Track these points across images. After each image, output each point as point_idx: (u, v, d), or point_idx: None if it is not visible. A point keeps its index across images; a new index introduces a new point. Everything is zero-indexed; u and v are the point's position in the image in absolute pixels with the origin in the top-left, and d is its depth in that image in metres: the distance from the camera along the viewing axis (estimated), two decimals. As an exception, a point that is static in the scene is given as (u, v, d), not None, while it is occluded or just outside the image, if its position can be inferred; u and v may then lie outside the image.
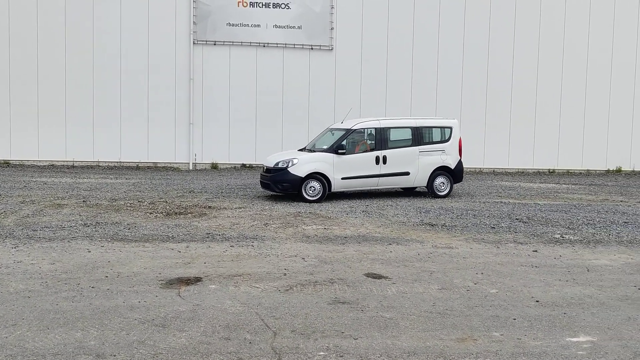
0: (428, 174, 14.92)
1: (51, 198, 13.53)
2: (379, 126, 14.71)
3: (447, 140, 15.28)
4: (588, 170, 23.90)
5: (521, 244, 9.65)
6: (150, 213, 11.83)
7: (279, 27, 22.62)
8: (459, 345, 5.21)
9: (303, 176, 13.68)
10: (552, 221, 11.72)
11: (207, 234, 9.87)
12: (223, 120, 22.51)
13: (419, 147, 14.94)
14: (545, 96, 23.57)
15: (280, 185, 13.79)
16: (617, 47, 23.75)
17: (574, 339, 5.41)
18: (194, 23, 22.19)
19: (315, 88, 22.86)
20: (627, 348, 5.21)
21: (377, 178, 14.50)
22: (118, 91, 21.96)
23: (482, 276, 7.55)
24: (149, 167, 22.03)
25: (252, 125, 22.67)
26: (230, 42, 22.44)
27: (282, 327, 5.55)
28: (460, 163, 15.42)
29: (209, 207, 12.78)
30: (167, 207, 12.64)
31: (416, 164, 14.79)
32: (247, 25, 22.47)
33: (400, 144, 14.96)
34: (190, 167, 22.32)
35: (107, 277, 7.14)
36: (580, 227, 11.15)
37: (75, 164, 21.83)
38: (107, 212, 11.84)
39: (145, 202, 13.21)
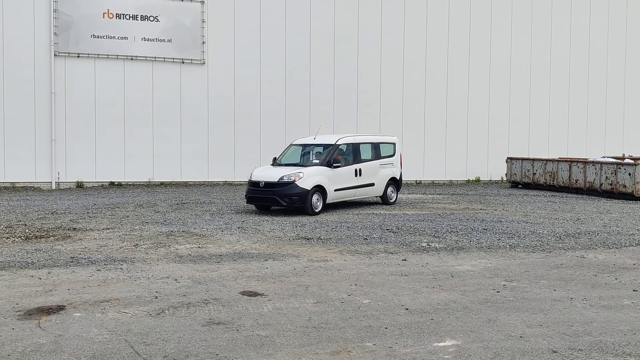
0: (384, 185, 16.71)
1: None
2: (353, 142, 16.11)
3: (394, 155, 17.23)
4: (451, 180, 25.47)
5: (392, 253, 10.02)
6: (7, 237, 10.91)
7: (148, 40, 21.98)
8: (333, 358, 5.28)
9: (309, 188, 14.39)
10: (420, 230, 12.31)
11: (71, 258, 9.27)
12: (89, 136, 21.40)
13: (379, 160, 16.69)
14: (411, 113, 24.83)
15: (288, 198, 14.29)
16: (473, 72, 25.63)
17: (441, 344, 5.68)
18: (55, 34, 20.95)
19: (188, 102, 22.43)
20: (489, 349, 5.55)
21: (355, 189, 15.82)
22: (-32, 105, 20.17)
23: (355, 287, 7.73)
24: (5, 188, 20.38)
25: (121, 141, 21.75)
26: (95, 54, 21.44)
27: (153, 354, 5.32)
28: (401, 174, 17.52)
29: (74, 228, 12.04)
30: (27, 230, 11.74)
31: (378, 176, 16.49)
32: (114, 37, 21.60)
33: (367, 158, 16.41)
34: (53, 187, 20.94)
35: (-47, 311, 6.46)
36: (445, 235, 11.81)
37: None
38: (-45, 238, 10.77)
39: (2, 226, 12.18)
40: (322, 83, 23.72)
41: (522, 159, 23.46)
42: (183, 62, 22.37)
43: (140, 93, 21.91)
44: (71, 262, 9.01)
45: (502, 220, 13.97)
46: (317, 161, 15.20)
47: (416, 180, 24.94)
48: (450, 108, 25.37)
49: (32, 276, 8.12)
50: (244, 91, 22.93)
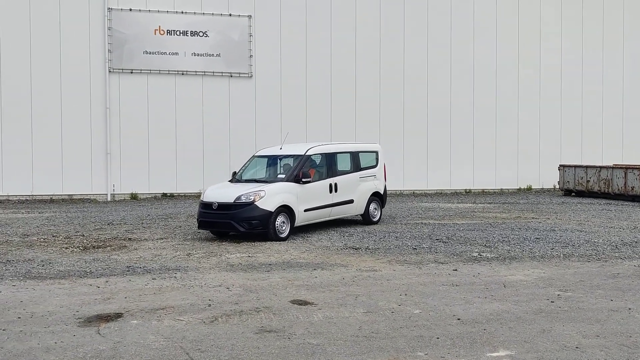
0: (366, 201, 14.39)
1: (-45, 236, 12.72)
2: (328, 151, 13.81)
3: (376, 165, 14.99)
4: (501, 189, 25.03)
5: (442, 263, 9.94)
6: (66, 248, 11.33)
7: (198, 55, 22.50)
8: (385, 367, 5.29)
9: (273, 210, 11.98)
10: (470, 240, 12.15)
11: (127, 267, 9.56)
12: (142, 149, 22.01)
13: (358, 172, 14.38)
14: (460, 121, 24.58)
15: (247, 222, 11.81)
16: (523, 77, 25.22)
17: (494, 354, 5.61)
18: (110, 51, 21.69)
19: (236, 115, 22.81)
20: None
21: (330, 208, 13.50)
22: (29, 121, 21.05)
23: (405, 297, 7.70)
24: (63, 200, 21.15)
25: (173, 153, 22.29)
26: (147, 70, 22.08)
27: (208, 360, 5.44)
28: (385, 188, 15.26)
29: (129, 239, 12.39)
30: (85, 241, 12.16)
31: (357, 191, 14.17)
32: (165, 53, 22.21)
33: (344, 169, 14.18)
34: (109, 199, 21.60)
35: (19, 318, 6.75)
36: (496, 244, 11.62)
37: (-17, 199, 20.64)
38: (18, 248, 11.24)
39: (61, 237, 12.65)
40: (368, 93, 23.76)
41: (575, 166, 22.89)
42: (231, 76, 22.79)
43: (191, 107, 22.42)
44: (127, 271, 9.29)
45: (556, 229, 13.65)
46: (283, 176, 12.87)
47: (465, 189, 24.63)
48: (500, 115, 25.00)
49: (90, 285, 8.41)
50: (290, 102, 23.17)
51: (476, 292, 7.99)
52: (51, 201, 20.85)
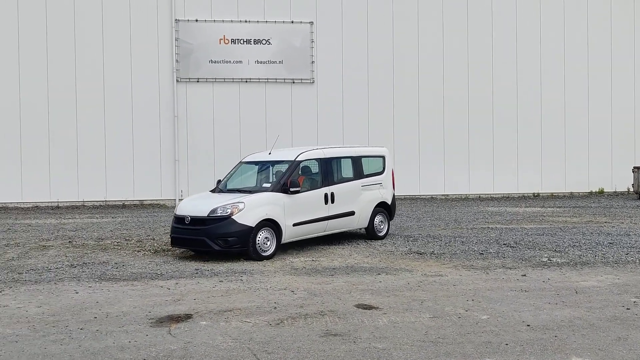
0: (370, 212, 12.67)
1: (36, 240, 13.40)
2: (323, 156, 12.11)
3: (382, 172, 13.23)
4: (571, 192, 24.19)
5: (510, 268, 9.70)
6: (138, 251, 11.75)
7: (261, 62, 22.89)
8: (452, 373, 5.21)
9: (253, 225, 10.49)
10: (539, 245, 11.81)
11: (195, 269, 9.82)
12: (208, 156, 22.56)
13: (361, 180, 12.67)
14: (527, 121, 23.95)
15: (223, 240, 10.35)
16: (593, 74, 24.31)
17: (567, 362, 5.43)
18: (177, 61, 22.38)
19: (298, 120, 23.04)
20: (619, 368, 5.24)
21: (326, 221, 11.80)
22: (102, 130, 21.98)
23: (472, 303, 7.57)
24: (135, 205, 21.93)
25: (237, 158, 22.66)
26: (213, 79, 22.64)
27: (275, 362, 5.52)
28: (394, 197, 13.54)
29: (197, 243, 12.70)
30: (155, 244, 12.57)
31: (360, 201, 12.49)
32: (230, 61, 22.72)
33: (344, 177, 12.53)
34: (177, 204, 22.22)
35: (96, 317, 7.06)
36: (567, 249, 11.25)
37: (60, 205, 21.67)
38: (94, 252, 11.74)
39: (133, 241, 13.12)
40: (429, 96, 23.51)
41: (651, 169, 21.87)
42: (294, 82, 23.06)
43: (254, 113, 22.82)
44: (196, 273, 9.54)
45: (630, 233, 13.08)
46: (268, 185, 11.44)
47: (533, 193, 23.94)
48: (569, 115, 24.18)
49: (161, 286, 8.69)
50: (351, 107, 23.21)
51: (546, 298, 7.76)
52: (123, 206, 21.67)
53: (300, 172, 11.67)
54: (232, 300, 7.83)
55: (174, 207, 21.42)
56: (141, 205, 21.96)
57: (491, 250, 11.27)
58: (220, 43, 22.65)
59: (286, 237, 11.10)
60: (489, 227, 14.62)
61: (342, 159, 12.65)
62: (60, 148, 21.81)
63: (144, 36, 22.23)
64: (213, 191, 11.93)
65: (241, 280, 9.05)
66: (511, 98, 23.88)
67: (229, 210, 10.49)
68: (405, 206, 20.21)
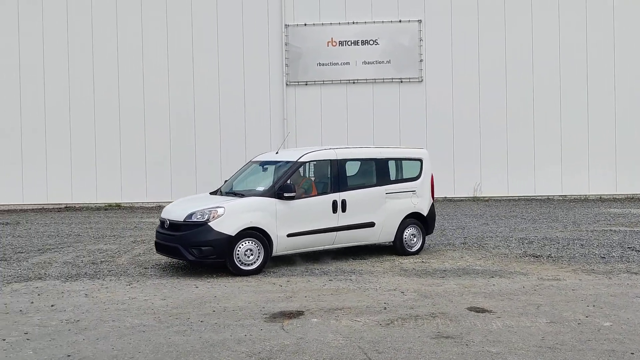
0: (397, 224, 11.00)
1: (159, 237, 14.26)
2: (334, 157, 10.60)
3: (418, 177, 11.48)
4: None
5: (635, 273, 9.09)
6: (251, 250, 12.17)
7: (368, 63, 22.97)
8: (572, 381, 4.98)
9: (234, 235, 9.40)
10: (669, 249, 10.96)
11: (305, 268, 10.04)
12: (317, 157, 22.93)
13: (386, 186, 10.99)
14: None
15: (197, 249, 9.33)
16: None
17: (703, 376, 5.02)
18: (286, 65, 22.98)
19: (406, 120, 22.87)
20: None
21: (335, 232, 10.34)
22: (217, 134, 23.00)
23: (594, 308, 7.17)
24: (247, 205, 22.71)
25: (345, 160, 22.95)
26: (321, 81, 23.01)
27: (385, 361, 5.54)
28: (433, 208, 11.72)
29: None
30: (267, 243, 12.97)
31: (382, 211, 10.84)
32: (337, 63, 22.98)
33: (362, 182, 11.03)
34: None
35: (214, 311, 7.42)
36: (702, 255, 10.35)
37: (179, 205, 22.91)
38: (210, 249, 12.29)
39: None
40: (545, 94, 22.48)
41: None
42: (401, 81, 22.92)
43: (361, 114, 22.93)
44: (306, 272, 9.76)
45: None
46: (262, 189, 10.18)
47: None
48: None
49: (273, 283, 8.98)
50: (462, 106, 22.70)
51: (678, 306, 7.19)
52: (236, 206, 22.54)
53: (302, 175, 10.58)
54: (342, 299, 7.94)
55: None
56: (253, 205, 22.71)
57: (614, 254, 10.61)
58: (328, 45, 22.99)
59: (278, 250, 9.86)
60: (611, 230, 13.75)
61: (361, 161, 11.17)
62: (178, 152, 23.07)
63: (255, 43, 23.01)
64: (214, 193, 10.99)
65: (350, 279, 9.15)
66: (634, 93, 22.29)
67: (206, 216, 9.42)
68: (520, 207, 19.47)
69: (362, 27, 22.92)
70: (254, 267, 9.55)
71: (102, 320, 7.13)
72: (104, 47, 22.93)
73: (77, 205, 22.77)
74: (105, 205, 22.85)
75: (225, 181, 11.53)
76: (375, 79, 22.94)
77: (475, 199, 22.42)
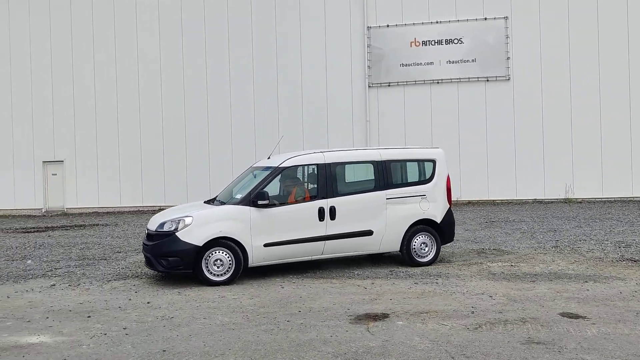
0: (402, 232, 10.20)
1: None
2: (323, 162, 9.98)
3: (429, 180, 10.53)
4: None
5: None
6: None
7: (452, 62, 22.58)
8: (677, 394, 4.69)
9: (201, 245, 9.12)
10: None
11: (390, 271, 10.00)
12: (400, 158, 22.78)
13: (386, 191, 10.17)
14: None
15: (165, 259, 9.16)
16: None
17: None
18: (369, 67, 22.99)
19: (492, 120, 22.29)
20: None
21: (323, 242, 9.72)
22: (300, 136, 23.33)
23: (700, 317, 6.71)
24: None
25: (429, 162, 22.64)
26: (404, 82, 22.86)
27: (473, 366, 5.43)
28: (450, 214, 10.65)
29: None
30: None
31: (382, 218, 10.08)
32: (420, 64, 22.75)
33: (357, 187, 10.36)
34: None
35: (300, 311, 7.55)
36: None
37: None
38: (295, 250, 12.50)
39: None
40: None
41: None
42: (487, 80, 22.37)
43: (446, 114, 22.57)
44: (391, 274, 9.72)
45: None
46: (240, 196, 9.70)
47: None
48: None
49: (358, 285, 9.01)
50: (551, 105, 21.85)
51: None
52: (320, 208, 22.77)
53: (283, 182, 10.02)
54: (427, 302, 7.85)
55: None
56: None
57: None
58: (411, 46, 22.80)
59: (255, 260, 9.43)
60: None
61: (354, 165, 10.37)
62: (263, 157, 23.58)
63: (337, 45, 23.19)
64: (210, 201, 10.52)
65: (436, 283, 9.03)
66: None
67: (174, 226, 9.23)
68: (616, 209, 18.50)
69: (446, 26, 22.57)
70: (225, 279, 9.21)
71: (194, 317, 7.42)
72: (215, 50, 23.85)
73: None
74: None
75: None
76: (460, 79, 22.52)
77: (567, 201, 21.52)
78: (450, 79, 22.61)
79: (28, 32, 25.06)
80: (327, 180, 9.88)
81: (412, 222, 10.26)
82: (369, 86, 23.07)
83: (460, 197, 22.33)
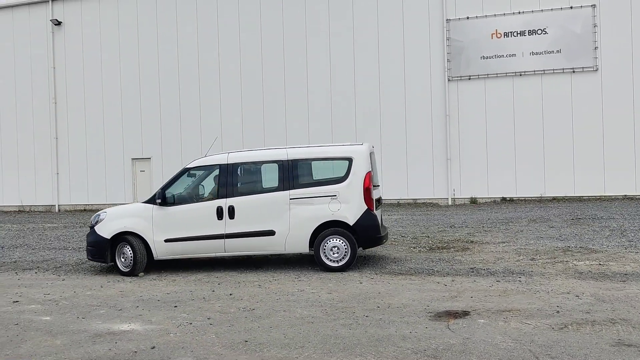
0: (308, 234, 9.91)
1: (324, 234, 14.78)
2: (225, 162, 10.30)
3: (342, 180, 9.96)
4: None
5: None
6: (414, 247, 12.19)
7: (536, 53, 21.80)
8: None
9: (109, 237, 10.23)
10: None
11: (471, 268, 9.81)
12: (480, 154, 22.29)
13: (290, 191, 9.98)
14: None
15: (88, 248, 10.62)
16: None
17: None
18: (448, 60, 22.58)
19: (579, 112, 21.36)
20: None
21: (223, 240, 10.07)
22: (378, 132, 23.27)
23: None
24: (409, 204, 22.73)
25: (511, 157, 22.01)
26: (484, 75, 22.30)
27: (559, 367, 5.26)
28: (368, 216, 9.89)
29: (471, 241, 12.69)
30: (430, 241, 12.89)
31: (286, 218, 9.94)
32: (502, 56, 22.12)
33: (259, 187, 10.39)
34: (449, 203, 22.44)
35: (378, 307, 7.55)
36: None
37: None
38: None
39: (408, 237, 13.65)
40: None
41: None
42: (573, 71, 21.45)
43: (529, 107, 21.84)
44: (471, 272, 9.54)
45: None
46: (151, 195, 10.71)
47: None
48: None
49: (438, 282, 8.90)
50: (645, 95, 20.69)
51: None
52: (398, 205, 22.63)
53: (188, 181, 10.59)
54: (510, 300, 7.65)
55: (446, 206, 21.67)
56: (414, 204, 22.66)
57: None
58: (492, 38, 22.21)
59: (159, 254, 10.24)
60: None
61: (257, 165, 10.46)
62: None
63: (415, 38, 22.93)
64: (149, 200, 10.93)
65: (519, 281, 8.78)
66: None
67: (95, 220, 10.64)
68: None
69: (529, 17, 21.82)
70: (136, 271, 10.21)
71: (274, 310, 7.59)
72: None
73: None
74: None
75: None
76: (544, 70, 21.73)
77: (662, 197, 20.32)
78: (534, 71, 21.84)
79: (119, 41, 26.36)
80: (227, 181, 10.19)
81: (319, 224, 9.90)
82: (449, 80, 22.67)
83: (544, 193, 21.57)
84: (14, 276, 10.96)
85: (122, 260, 10.32)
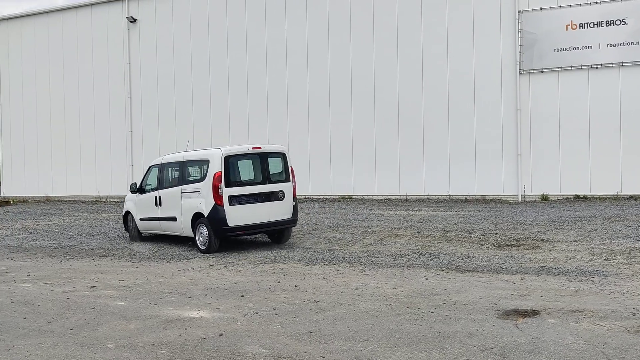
0: (189, 220, 12.26)
1: (389, 229, 14.72)
2: (160, 162, 13.63)
3: (204, 179, 12.01)
4: None
5: None
6: (482, 244, 11.95)
7: (614, 45, 20.84)
8: None
9: (123, 214, 14.61)
10: None
11: (541, 267, 9.53)
12: (552, 149, 21.55)
13: (182, 186, 12.62)
14: None
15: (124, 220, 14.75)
16: None
17: None
18: (520, 53, 21.93)
19: (662, 108, 20.28)
20: None
21: (159, 222, 13.29)
22: (446, 128, 22.90)
23: None
24: (477, 200, 22.27)
25: (585, 153, 21.16)
26: (558, 67, 21.52)
27: (635, 372, 5.04)
28: (216, 210, 11.64)
29: (542, 239, 12.31)
30: (498, 238, 12.60)
31: (180, 208, 12.54)
32: (577, 48, 21.26)
33: (173, 183, 13.10)
34: (519, 199, 21.83)
35: (444, 303, 7.46)
36: None
37: (408, 198, 23.35)
38: (440, 242, 12.37)
39: (476, 234, 13.39)
40: None
41: None
42: (656, 64, 20.37)
43: (605, 101, 20.92)
44: (542, 270, 9.27)
45: None
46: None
47: None
48: None
49: (506, 280, 8.70)
50: None
51: None
52: (465, 201, 22.22)
53: (153, 176, 13.65)
54: (582, 301, 7.39)
55: (515, 203, 21.09)
56: (483, 200, 22.18)
57: None
58: (567, 29, 21.38)
59: (141, 229, 13.98)
60: None
61: (172, 165, 13.20)
62: (408, 148, 23.46)
63: (486, 30, 22.38)
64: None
65: (592, 281, 8.46)
66: None
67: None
68: None
69: (607, 7, 20.87)
70: (130, 234, 14.40)
71: (338, 302, 7.63)
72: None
73: (313, 197, 24.55)
74: (339, 197, 24.26)
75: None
76: (622, 63, 20.76)
77: None
78: (611, 64, 20.88)
79: (190, 46, 27.09)
80: (160, 176, 13.35)
81: (193, 214, 12.11)
82: (520, 73, 22.00)
83: (621, 191, 20.66)
84: (91, 262, 11.50)
85: (129, 228, 14.43)
